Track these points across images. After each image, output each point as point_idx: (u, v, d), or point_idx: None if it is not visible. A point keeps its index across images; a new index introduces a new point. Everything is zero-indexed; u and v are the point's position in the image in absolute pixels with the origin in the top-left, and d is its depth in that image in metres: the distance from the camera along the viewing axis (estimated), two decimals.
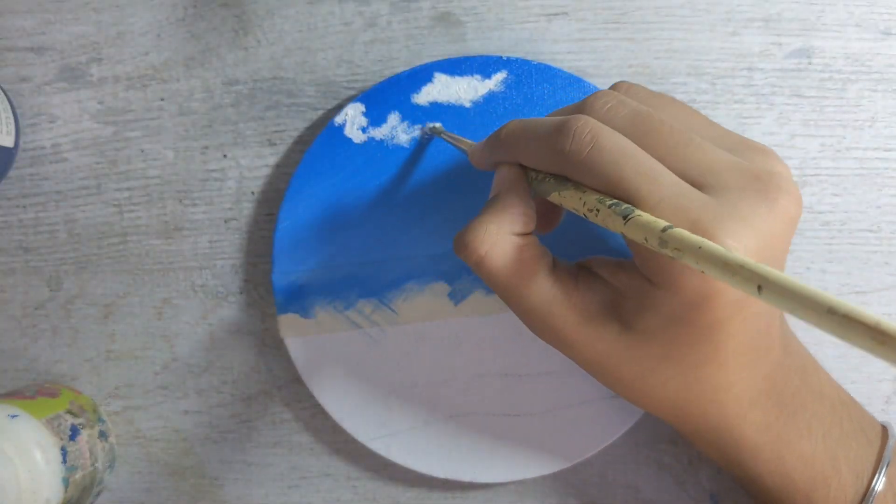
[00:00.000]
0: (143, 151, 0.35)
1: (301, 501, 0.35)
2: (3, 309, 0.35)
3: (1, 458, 0.28)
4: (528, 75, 0.33)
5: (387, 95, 0.33)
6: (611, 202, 0.22)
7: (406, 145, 0.33)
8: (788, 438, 0.26)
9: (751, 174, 0.23)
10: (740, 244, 0.21)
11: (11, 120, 0.33)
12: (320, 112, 0.34)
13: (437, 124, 0.32)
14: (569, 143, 0.23)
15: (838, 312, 0.15)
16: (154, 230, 0.35)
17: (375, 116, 0.33)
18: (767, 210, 0.22)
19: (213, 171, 0.34)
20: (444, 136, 0.32)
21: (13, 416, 0.29)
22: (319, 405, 0.33)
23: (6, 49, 0.34)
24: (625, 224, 0.21)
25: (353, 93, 0.34)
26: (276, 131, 0.34)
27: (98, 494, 0.33)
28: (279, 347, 0.34)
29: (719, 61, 0.34)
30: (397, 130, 0.33)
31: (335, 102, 0.34)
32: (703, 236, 0.20)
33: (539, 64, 0.33)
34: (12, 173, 0.35)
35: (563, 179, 0.25)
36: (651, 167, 0.23)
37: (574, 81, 0.33)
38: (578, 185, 0.24)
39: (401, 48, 0.34)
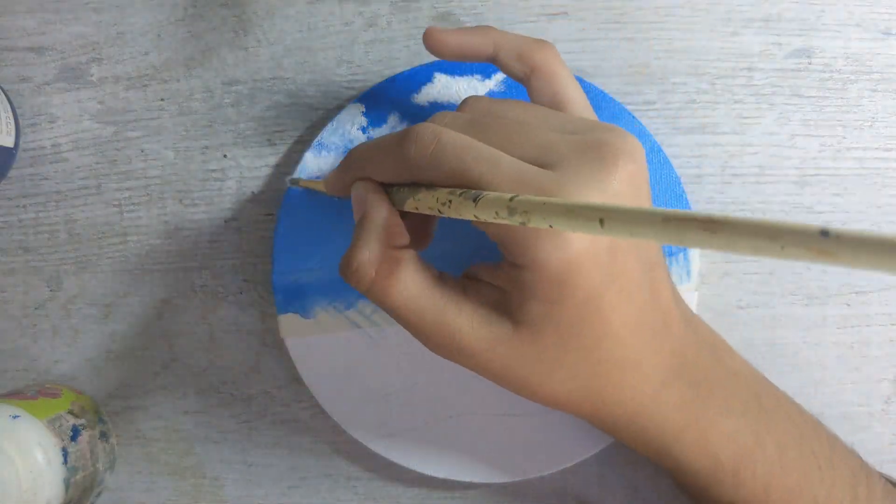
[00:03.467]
0: (143, 151, 0.35)
1: (301, 502, 0.35)
2: (3, 309, 0.35)
3: (2, 458, 0.28)
4: None
5: (387, 95, 0.33)
6: (461, 191, 0.23)
7: None
8: (709, 417, 0.27)
9: (585, 145, 0.24)
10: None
11: (11, 120, 0.33)
12: (320, 112, 0.34)
13: (295, 177, 0.33)
14: (413, 147, 0.24)
15: (673, 218, 0.16)
16: (154, 230, 0.35)
17: (375, 116, 0.33)
18: (606, 172, 0.23)
19: (213, 171, 0.34)
20: (301, 185, 0.33)
21: (15, 417, 0.29)
22: (319, 405, 0.33)
23: (6, 49, 0.34)
24: (475, 206, 0.22)
25: (353, 93, 0.34)
26: (276, 131, 0.34)
27: (99, 495, 0.33)
28: (279, 347, 0.34)
29: (719, 61, 0.34)
30: (397, 130, 0.33)
31: (335, 102, 0.34)
32: None
33: None
34: (12, 173, 0.35)
35: (415, 187, 0.25)
36: (491, 154, 0.24)
37: None
38: (430, 187, 0.25)
39: (401, 48, 0.34)
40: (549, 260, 0.23)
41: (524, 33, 0.33)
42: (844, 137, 0.34)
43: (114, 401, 0.35)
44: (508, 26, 0.34)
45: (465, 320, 0.25)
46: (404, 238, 0.26)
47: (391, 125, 0.33)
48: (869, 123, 0.34)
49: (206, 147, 0.34)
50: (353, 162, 0.27)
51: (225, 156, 0.34)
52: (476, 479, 0.33)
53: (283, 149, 0.34)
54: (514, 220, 0.20)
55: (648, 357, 0.26)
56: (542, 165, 0.24)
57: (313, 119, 0.34)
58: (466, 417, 0.33)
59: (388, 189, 0.27)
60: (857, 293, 0.34)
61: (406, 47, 0.34)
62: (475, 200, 0.22)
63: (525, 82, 0.28)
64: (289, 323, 0.33)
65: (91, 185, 0.35)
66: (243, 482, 0.35)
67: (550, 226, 0.19)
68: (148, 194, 0.35)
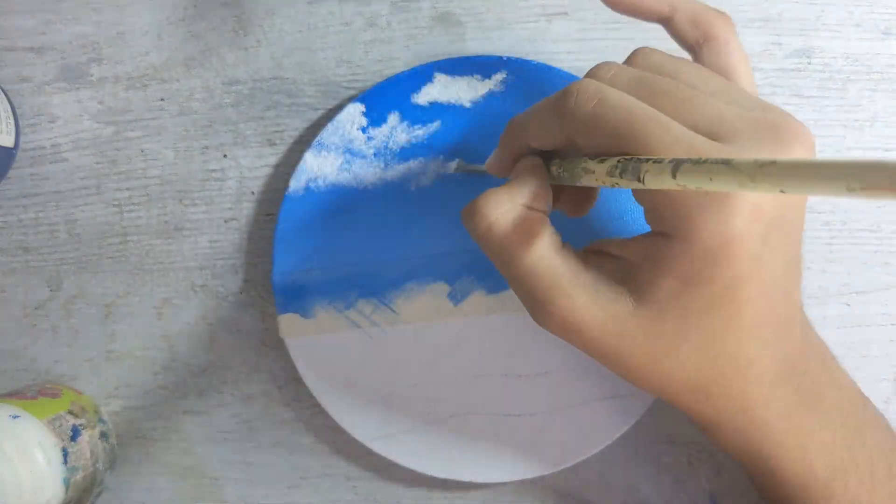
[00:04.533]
0: (143, 151, 0.35)
1: (301, 501, 0.35)
2: (3, 309, 0.35)
3: (2, 458, 0.28)
4: (527, 75, 0.33)
5: (387, 95, 0.33)
6: (648, 158, 0.21)
7: (406, 145, 0.33)
8: (809, 426, 0.26)
9: (764, 123, 0.22)
10: None
11: (11, 120, 0.33)
12: (320, 112, 0.34)
13: (459, 160, 0.33)
14: (573, 102, 0.23)
15: (876, 168, 0.14)
16: (154, 230, 0.35)
17: (375, 116, 0.33)
18: (783, 154, 0.22)
19: (213, 171, 0.34)
20: (468, 169, 0.32)
21: (15, 417, 0.29)
22: (319, 405, 0.33)
23: (6, 49, 0.34)
24: (678, 174, 0.20)
25: (353, 93, 0.34)
26: (276, 131, 0.34)
27: (99, 495, 0.33)
28: (279, 347, 0.34)
29: None
30: (397, 130, 0.33)
31: (335, 102, 0.34)
32: None
33: (539, 64, 0.33)
34: (12, 173, 0.35)
35: (577, 164, 0.24)
36: (660, 118, 0.22)
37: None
38: (592, 159, 0.24)
39: (401, 48, 0.34)
40: (708, 232, 0.21)
41: (524, 33, 0.34)
42: (844, 137, 0.34)
43: (114, 401, 0.35)
44: (508, 26, 0.34)
45: (580, 292, 0.23)
46: (544, 205, 0.25)
47: (391, 125, 0.33)
48: (869, 123, 0.34)
49: (206, 147, 0.34)
50: (513, 130, 0.26)
51: (225, 156, 0.34)
52: (476, 479, 0.33)
53: (283, 149, 0.34)
54: (697, 183, 0.19)
55: (764, 357, 0.24)
56: (714, 137, 0.22)
57: (313, 119, 0.34)
58: (466, 417, 0.33)
59: (551, 169, 0.26)
60: (857, 293, 0.34)
61: (406, 47, 0.34)
62: (675, 169, 0.20)
63: (695, 50, 0.26)
64: (289, 323, 0.33)
65: (91, 185, 0.35)
66: (243, 482, 0.35)
67: (782, 191, 0.17)
68: (148, 194, 0.35)
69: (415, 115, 0.33)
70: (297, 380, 0.34)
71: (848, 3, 0.33)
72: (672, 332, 0.23)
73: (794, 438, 0.26)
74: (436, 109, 0.33)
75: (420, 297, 0.33)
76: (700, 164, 0.19)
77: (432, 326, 0.33)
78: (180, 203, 0.35)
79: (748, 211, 0.22)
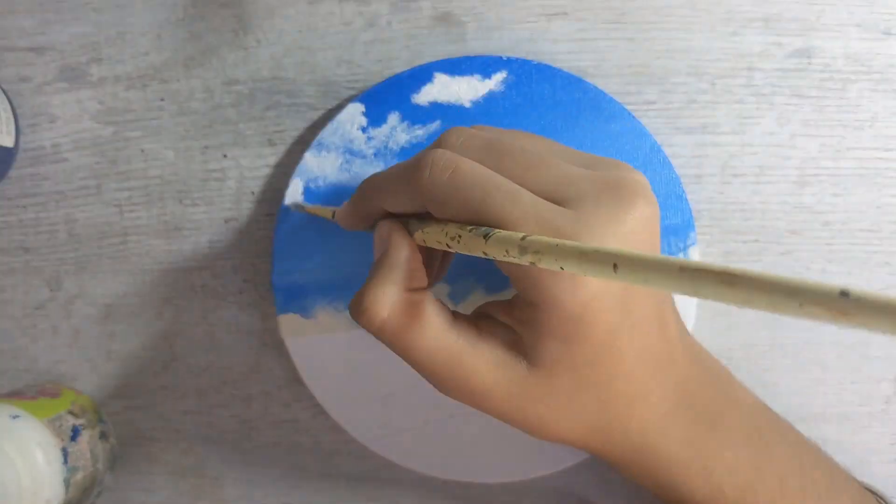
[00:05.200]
0: (143, 151, 0.35)
1: (301, 501, 0.35)
2: (3, 309, 0.35)
3: (2, 458, 0.28)
4: (528, 75, 0.33)
5: (387, 95, 0.33)
6: (471, 227, 0.23)
7: (406, 145, 0.33)
8: (712, 449, 0.27)
9: (604, 183, 0.23)
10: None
11: (11, 120, 0.33)
12: (320, 112, 0.34)
13: (298, 200, 0.33)
14: (427, 173, 0.24)
15: (688, 268, 0.15)
16: (154, 230, 0.35)
17: (375, 116, 0.33)
18: (625, 213, 0.23)
19: (213, 171, 0.34)
20: (306, 210, 0.32)
21: (14, 417, 0.29)
22: (319, 405, 0.33)
23: (6, 49, 0.34)
24: (486, 243, 0.22)
25: (353, 93, 0.34)
26: (276, 131, 0.34)
27: (99, 495, 0.33)
28: (279, 347, 0.34)
29: (719, 61, 0.34)
30: (397, 130, 0.33)
31: (335, 102, 0.34)
32: None
33: (539, 64, 0.33)
34: (12, 173, 0.35)
35: (424, 219, 0.25)
36: (510, 188, 0.23)
37: (574, 81, 0.33)
38: (440, 220, 0.24)
39: (401, 48, 0.34)
40: (566, 299, 0.23)
41: (524, 33, 0.34)
42: (844, 137, 0.34)
43: (114, 401, 0.35)
44: (508, 26, 0.34)
45: (481, 363, 0.24)
46: (423, 280, 0.25)
47: (391, 125, 0.33)
48: (869, 123, 0.34)
49: (206, 147, 0.34)
50: (366, 192, 0.27)
51: (225, 156, 0.34)
52: (476, 479, 0.33)
53: (283, 149, 0.34)
54: (525, 260, 0.20)
55: (655, 390, 0.25)
56: (558, 200, 0.23)
57: (313, 119, 0.34)
58: (466, 417, 0.33)
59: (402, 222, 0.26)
60: None
61: (406, 47, 0.34)
62: (486, 237, 0.22)
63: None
64: (289, 323, 0.33)
65: (91, 185, 0.35)
66: (243, 482, 0.35)
67: (562, 268, 0.19)
68: (148, 194, 0.35)
69: (415, 115, 0.33)
70: (297, 380, 0.34)
71: (848, 3, 0.33)
72: (567, 387, 0.24)
73: (698, 463, 0.26)
74: (436, 109, 0.33)
75: None
76: (541, 253, 0.19)
77: None
78: (180, 203, 0.35)
79: None
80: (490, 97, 0.33)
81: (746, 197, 0.34)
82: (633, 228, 0.23)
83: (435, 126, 0.33)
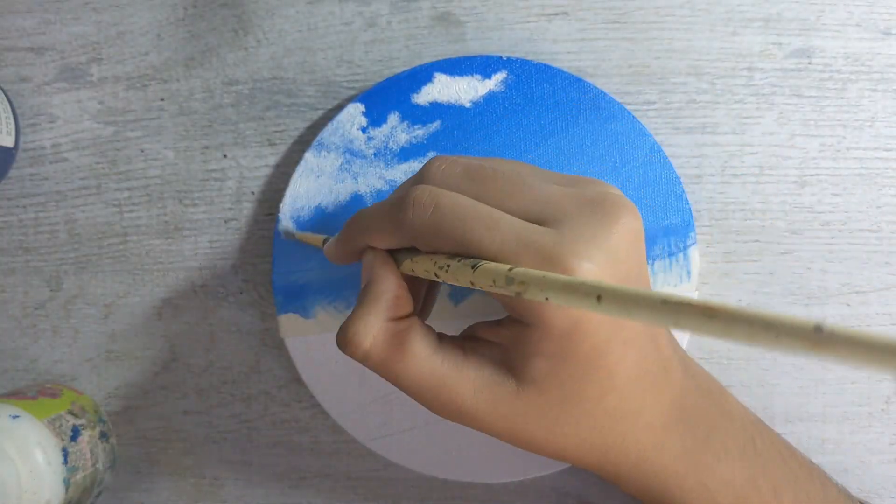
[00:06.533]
0: (143, 151, 0.35)
1: (301, 501, 0.35)
2: (3, 309, 0.35)
3: (2, 458, 0.28)
4: (528, 75, 0.33)
5: (387, 95, 0.33)
6: (459, 258, 0.23)
7: (406, 145, 0.33)
8: (707, 463, 0.27)
9: (586, 200, 0.24)
10: (592, 264, 0.22)
11: (11, 120, 0.33)
12: (320, 112, 0.34)
13: (289, 227, 0.33)
14: (411, 213, 0.24)
15: (670, 302, 0.16)
16: (154, 230, 0.35)
17: (375, 116, 0.33)
18: (609, 227, 0.23)
19: (213, 171, 0.34)
20: (297, 237, 0.33)
21: (15, 417, 0.29)
22: (319, 405, 0.33)
23: (6, 49, 0.34)
24: (473, 273, 0.22)
25: (353, 93, 0.34)
26: (276, 131, 0.34)
27: (99, 495, 0.33)
28: (279, 347, 0.34)
29: (719, 61, 0.34)
30: (397, 130, 0.33)
31: (335, 102, 0.34)
32: (555, 264, 0.22)
33: (539, 64, 0.33)
34: (12, 173, 0.35)
35: (414, 251, 0.25)
36: (490, 215, 0.23)
37: (574, 81, 0.33)
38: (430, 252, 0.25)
39: (401, 48, 0.34)
40: (556, 318, 0.23)
41: (524, 33, 0.34)
42: (844, 137, 0.34)
43: (114, 401, 0.35)
44: (508, 26, 0.34)
45: (467, 384, 0.25)
46: (408, 308, 0.25)
47: (391, 125, 0.33)
48: (869, 123, 0.34)
49: (206, 147, 0.34)
50: (353, 231, 0.27)
51: (225, 156, 0.34)
52: (476, 479, 0.33)
53: (283, 149, 0.34)
54: (511, 291, 0.20)
55: (649, 405, 0.26)
56: (542, 221, 0.23)
57: (313, 119, 0.34)
58: None
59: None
60: (857, 293, 0.34)
61: (406, 47, 0.34)
62: (473, 268, 0.22)
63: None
64: (289, 323, 0.33)
65: (91, 185, 0.35)
66: (243, 482, 0.35)
67: (547, 299, 0.19)
68: (148, 194, 0.35)
69: (415, 115, 0.33)
70: (297, 380, 0.34)
71: (848, 3, 0.33)
72: (557, 404, 0.24)
73: (694, 477, 0.27)
74: (436, 109, 0.33)
75: None
76: (527, 284, 0.20)
77: (432, 326, 0.33)
78: (180, 203, 0.35)
79: None
80: (490, 97, 0.33)
81: (746, 197, 0.34)
82: (619, 242, 0.23)
83: (435, 126, 0.33)
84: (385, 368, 0.25)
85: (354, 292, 0.33)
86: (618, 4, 0.34)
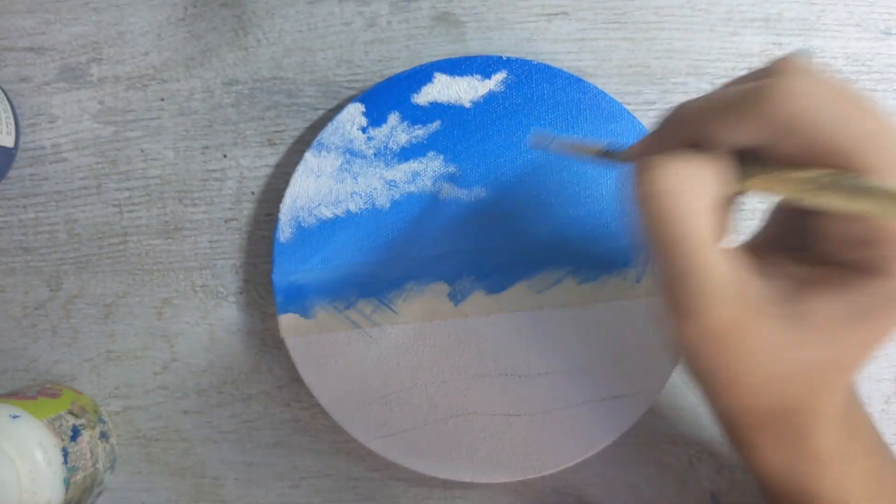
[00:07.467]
0: (143, 151, 0.35)
1: (301, 501, 0.35)
2: (3, 309, 0.35)
3: (2, 458, 0.28)
4: (528, 75, 0.33)
5: (387, 95, 0.33)
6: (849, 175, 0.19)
7: (406, 145, 0.33)
8: (854, 451, 0.25)
9: None
10: None
11: (11, 120, 0.33)
12: (320, 112, 0.34)
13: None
14: (776, 98, 0.19)
15: None
16: (154, 230, 0.35)
17: (375, 116, 0.33)
18: None
19: (213, 171, 0.34)
20: (564, 146, 0.27)
21: (15, 417, 0.29)
22: (319, 405, 0.33)
23: (6, 49, 0.34)
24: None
25: (353, 93, 0.34)
26: (276, 131, 0.34)
27: (99, 495, 0.33)
28: (279, 347, 0.34)
29: (719, 61, 0.34)
30: (397, 130, 0.33)
31: (335, 102, 0.34)
32: None
33: (539, 64, 0.33)
34: (12, 173, 0.35)
35: (753, 166, 0.21)
36: (883, 126, 0.19)
37: (574, 81, 0.33)
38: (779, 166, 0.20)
39: (401, 48, 0.34)
40: None
41: (524, 33, 0.34)
42: None
43: (114, 401, 0.35)
44: (508, 26, 0.34)
45: (738, 304, 0.20)
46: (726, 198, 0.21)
47: (391, 125, 0.33)
48: None
49: (206, 147, 0.34)
50: (683, 120, 0.21)
51: (225, 156, 0.34)
52: (476, 479, 0.33)
53: (283, 149, 0.34)
54: None
55: (844, 390, 0.24)
56: None
57: (313, 119, 0.34)
58: (466, 417, 0.33)
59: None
60: None
61: (406, 47, 0.34)
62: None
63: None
64: (289, 323, 0.33)
65: (91, 185, 0.35)
66: (243, 482, 0.35)
67: None
68: (148, 194, 0.35)
69: (415, 115, 0.33)
70: (297, 380, 0.34)
71: (848, 3, 0.33)
72: (819, 354, 0.21)
73: (842, 464, 0.24)
74: (436, 109, 0.33)
75: (420, 297, 0.33)
76: None
77: (432, 326, 0.33)
78: (180, 203, 0.35)
79: None
80: (490, 97, 0.33)
81: (746, 196, 0.34)
82: None
83: (435, 126, 0.33)
84: (674, 232, 0.20)
85: (355, 292, 0.33)
86: (618, 4, 0.34)
